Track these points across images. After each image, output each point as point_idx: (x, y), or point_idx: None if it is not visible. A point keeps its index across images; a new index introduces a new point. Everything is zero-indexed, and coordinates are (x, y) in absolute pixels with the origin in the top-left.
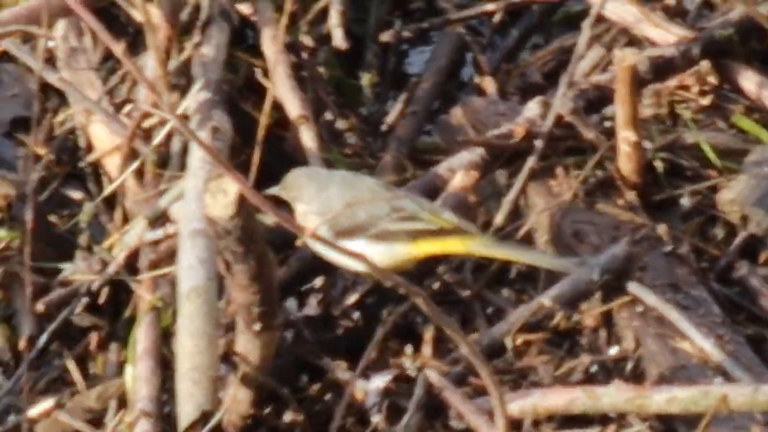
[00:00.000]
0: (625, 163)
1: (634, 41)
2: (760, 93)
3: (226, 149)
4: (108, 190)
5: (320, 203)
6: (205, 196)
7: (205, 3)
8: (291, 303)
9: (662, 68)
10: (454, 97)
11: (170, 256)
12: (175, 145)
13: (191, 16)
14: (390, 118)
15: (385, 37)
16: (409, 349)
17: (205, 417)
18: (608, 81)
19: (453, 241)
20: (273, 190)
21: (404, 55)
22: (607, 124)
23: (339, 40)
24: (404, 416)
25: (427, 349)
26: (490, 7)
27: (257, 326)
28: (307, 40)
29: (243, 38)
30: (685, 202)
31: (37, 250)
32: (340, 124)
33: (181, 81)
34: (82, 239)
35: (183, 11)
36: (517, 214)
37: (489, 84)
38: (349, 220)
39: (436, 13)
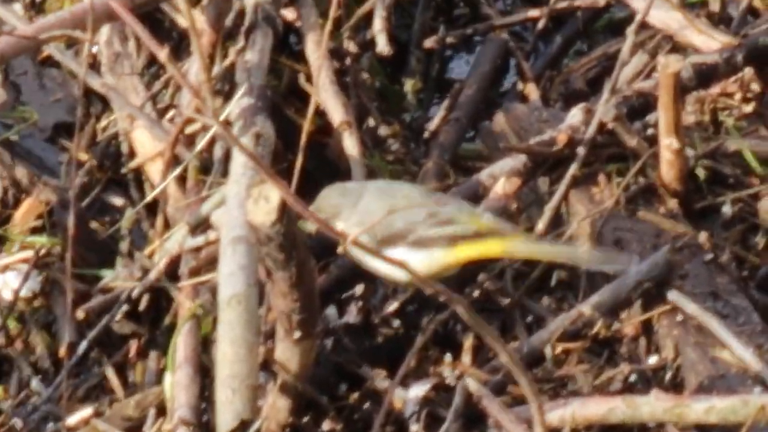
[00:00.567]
0: (667, 171)
1: (678, 48)
2: None
3: (268, 155)
4: (150, 196)
5: (359, 215)
6: (247, 202)
7: (250, 8)
8: (331, 311)
9: (705, 75)
10: (497, 103)
11: (211, 263)
12: (218, 152)
13: (235, 21)
14: (432, 124)
15: (429, 43)
16: (448, 357)
17: (243, 425)
18: (651, 88)
19: (491, 242)
20: (310, 222)
21: (448, 61)
22: (650, 131)
23: (382, 46)
24: (443, 425)
25: (466, 358)
26: (533, 13)
27: (297, 334)
28: (350, 46)
29: (287, 44)
30: (727, 210)
31: (78, 256)
32: (383, 131)
33: (225, 87)
34: (123, 246)
35: (227, 17)
36: (558, 221)
37: (532, 90)
38: (387, 228)
39: (480, 19)
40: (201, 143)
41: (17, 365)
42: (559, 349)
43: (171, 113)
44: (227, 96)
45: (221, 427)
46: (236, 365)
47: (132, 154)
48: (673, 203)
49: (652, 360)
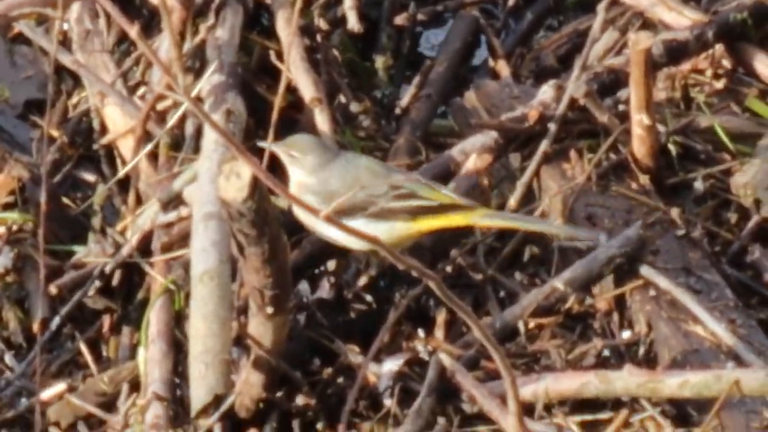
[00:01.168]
0: (639, 147)
1: (649, 24)
2: None
3: (239, 132)
4: (121, 172)
5: (319, 181)
6: (219, 178)
7: None
8: (304, 286)
9: (676, 52)
10: (468, 80)
11: (183, 239)
12: (189, 128)
13: None
14: (404, 101)
15: (400, 20)
16: (421, 332)
17: (217, 400)
18: (622, 64)
19: (455, 215)
20: (273, 145)
21: (418, 37)
22: (621, 107)
23: (353, 23)
24: (416, 400)
25: (439, 333)
26: None
27: (270, 309)
28: (321, 23)
29: (257, 21)
30: (699, 185)
31: (50, 232)
32: (354, 107)
33: (196, 64)
34: (96, 222)
35: None
36: (530, 197)
37: (503, 67)
38: (347, 199)
39: None
40: (172, 120)
41: None
42: (532, 324)
43: (142, 90)
44: (198, 73)
45: (195, 401)
46: (209, 340)
47: (103, 131)
48: (644, 179)
49: (626, 335)
